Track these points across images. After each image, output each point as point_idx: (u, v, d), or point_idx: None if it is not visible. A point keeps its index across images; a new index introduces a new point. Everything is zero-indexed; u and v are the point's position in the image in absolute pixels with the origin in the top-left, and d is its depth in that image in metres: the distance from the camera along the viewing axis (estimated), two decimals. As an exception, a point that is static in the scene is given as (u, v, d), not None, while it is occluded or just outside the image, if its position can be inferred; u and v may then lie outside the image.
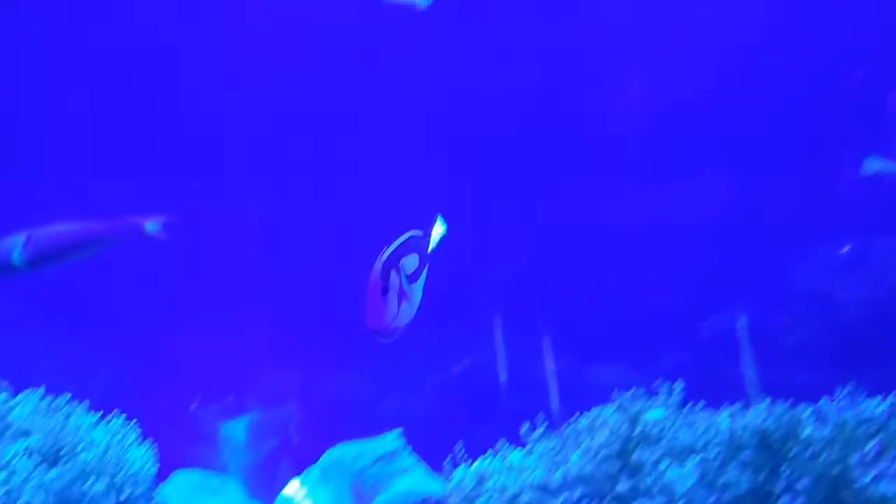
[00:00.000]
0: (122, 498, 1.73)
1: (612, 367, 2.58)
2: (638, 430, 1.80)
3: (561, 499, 1.74)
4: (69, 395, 1.90)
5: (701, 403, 1.88)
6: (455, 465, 2.06)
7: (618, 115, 2.93)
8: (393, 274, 1.39)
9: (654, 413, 1.86)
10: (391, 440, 1.99)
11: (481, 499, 1.80)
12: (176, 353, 2.66)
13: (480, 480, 1.88)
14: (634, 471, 1.75)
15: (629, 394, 1.93)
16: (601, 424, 1.87)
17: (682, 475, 1.63)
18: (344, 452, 2.03)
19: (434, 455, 2.17)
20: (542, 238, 2.91)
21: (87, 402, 1.88)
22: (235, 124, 2.78)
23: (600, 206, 2.94)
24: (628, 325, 2.95)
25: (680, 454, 1.73)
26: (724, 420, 1.76)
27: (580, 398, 2.04)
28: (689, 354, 2.69)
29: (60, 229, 1.72)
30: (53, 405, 1.82)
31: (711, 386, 1.97)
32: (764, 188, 3.07)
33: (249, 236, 2.84)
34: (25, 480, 1.49)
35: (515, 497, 1.78)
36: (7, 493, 1.45)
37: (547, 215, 2.97)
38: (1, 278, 1.70)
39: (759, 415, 1.70)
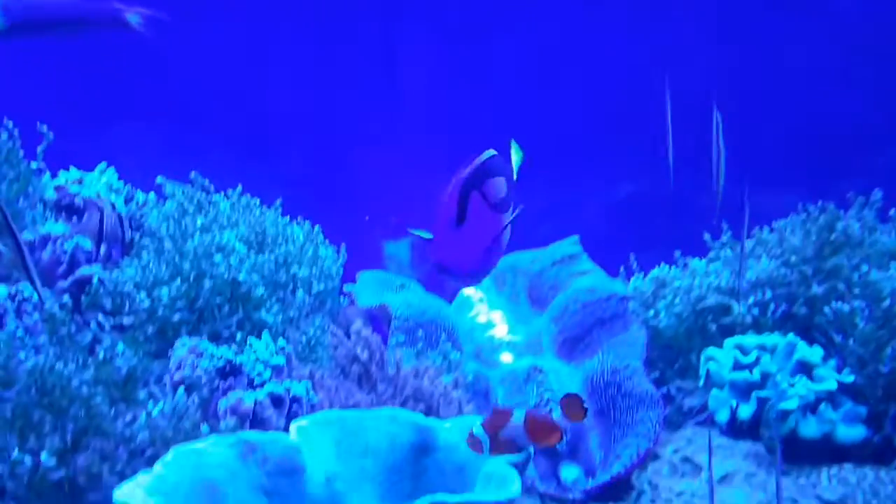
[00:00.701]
0: (317, 290, 1.84)
1: (788, 193, 2.46)
2: (834, 235, 1.73)
3: (750, 301, 1.72)
4: (258, 199, 2.00)
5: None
6: (630, 275, 2.07)
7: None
8: (475, 197, 1.08)
9: (849, 222, 1.78)
10: (569, 244, 2.00)
11: (665, 300, 1.81)
12: (349, 177, 2.76)
13: (661, 284, 1.88)
14: (830, 275, 1.70)
15: (817, 206, 1.86)
16: (791, 232, 1.81)
17: (889, 276, 1.56)
18: (519, 258, 2.06)
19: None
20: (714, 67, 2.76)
21: (277, 202, 1.98)
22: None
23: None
24: (804, 150, 2.81)
25: (882, 258, 1.66)
26: (932, 225, 1.67)
27: (757, 222, 1.97)
28: (874, 180, 2.53)
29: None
30: (249, 204, 1.93)
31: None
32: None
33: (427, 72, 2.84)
34: (241, 261, 1.61)
35: (700, 299, 1.78)
36: (227, 268, 1.56)
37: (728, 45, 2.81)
38: None
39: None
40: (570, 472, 1.63)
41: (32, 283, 1.41)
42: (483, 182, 1.09)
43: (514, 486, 0.99)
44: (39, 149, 1.89)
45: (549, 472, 1.65)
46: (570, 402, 1.07)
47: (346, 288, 2.06)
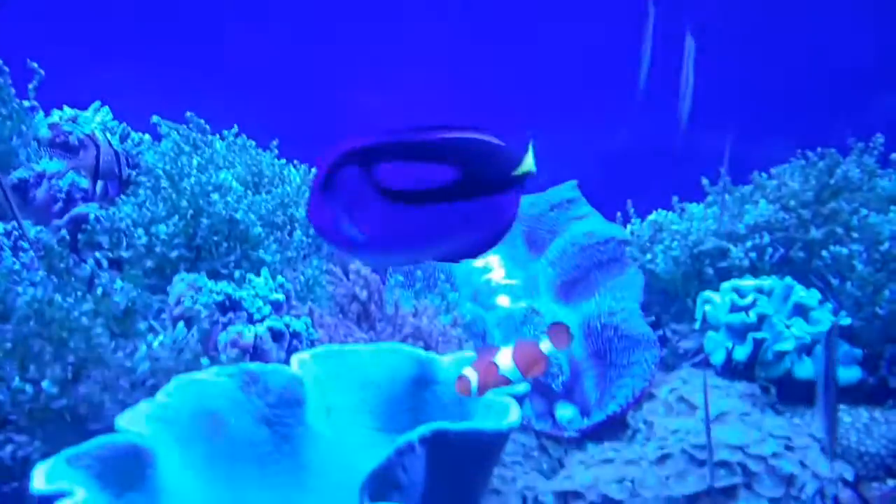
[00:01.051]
0: (314, 232, 1.84)
1: (787, 143, 2.45)
2: (834, 179, 1.73)
3: (747, 245, 1.72)
4: (254, 142, 1.98)
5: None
6: (627, 220, 2.07)
7: None
8: (351, 172, 0.85)
9: (849, 166, 1.78)
10: (567, 189, 1.99)
11: (662, 244, 1.81)
12: (346, 121, 2.73)
13: (658, 229, 1.88)
14: (829, 219, 1.70)
15: (816, 152, 1.85)
16: (790, 177, 1.81)
17: (888, 219, 1.56)
18: (517, 203, 2.06)
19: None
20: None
21: (273, 144, 1.96)
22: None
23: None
24: (803, 99, 2.80)
25: (881, 203, 1.66)
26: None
27: (755, 170, 1.97)
28: (874, 128, 2.53)
29: None
30: (245, 145, 1.91)
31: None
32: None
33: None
34: (238, 200, 1.59)
35: (698, 243, 1.77)
36: (225, 206, 1.55)
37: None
38: None
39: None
40: (565, 411, 1.65)
41: (16, 219, 1.41)
42: (375, 160, 0.85)
43: (514, 415, 0.99)
44: (31, 86, 1.87)
45: (545, 411, 1.66)
46: (556, 330, 1.07)
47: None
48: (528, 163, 0.88)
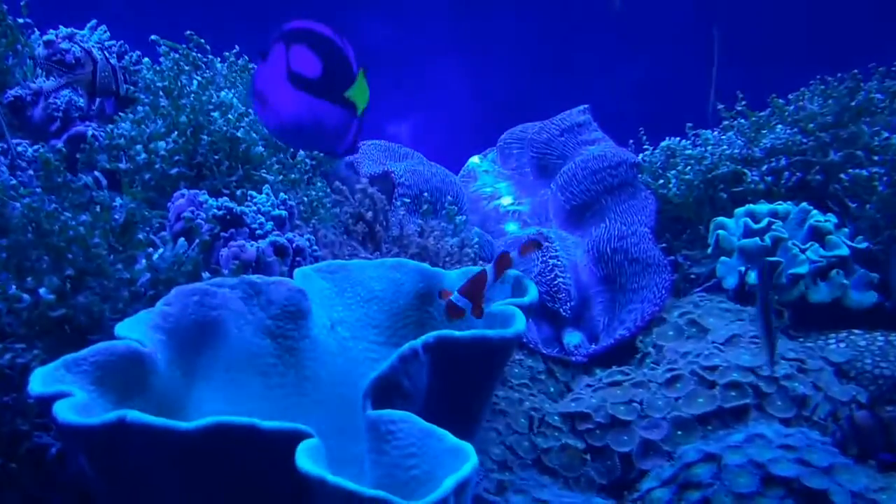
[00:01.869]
0: (318, 156, 1.80)
1: (804, 72, 2.38)
2: (855, 101, 1.67)
3: (763, 168, 1.68)
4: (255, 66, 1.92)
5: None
6: (639, 149, 2.02)
7: None
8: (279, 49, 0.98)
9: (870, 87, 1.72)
10: (578, 112, 1.93)
11: (677, 168, 1.76)
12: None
13: (671, 155, 1.83)
14: (848, 142, 1.65)
15: (835, 78, 1.79)
16: (809, 100, 1.75)
17: (909, 140, 1.52)
18: (526, 128, 2.00)
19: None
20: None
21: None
22: None
23: None
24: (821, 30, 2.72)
25: (903, 124, 1.61)
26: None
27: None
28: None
29: None
30: (247, 66, 1.85)
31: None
32: None
33: None
34: (239, 118, 1.55)
35: (712, 168, 1.73)
36: (225, 121, 1.51)
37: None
38: None
39: None
40: (572, 337, 1.62)
41: (5, 137, 1.38)
42: (297, 41, 0.91)
43: (519, 323, 0.97)
44: (23, 3, 1.81)
45: (553, 337, 1.64)
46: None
47: (348, 158, 2.01)
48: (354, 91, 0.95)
